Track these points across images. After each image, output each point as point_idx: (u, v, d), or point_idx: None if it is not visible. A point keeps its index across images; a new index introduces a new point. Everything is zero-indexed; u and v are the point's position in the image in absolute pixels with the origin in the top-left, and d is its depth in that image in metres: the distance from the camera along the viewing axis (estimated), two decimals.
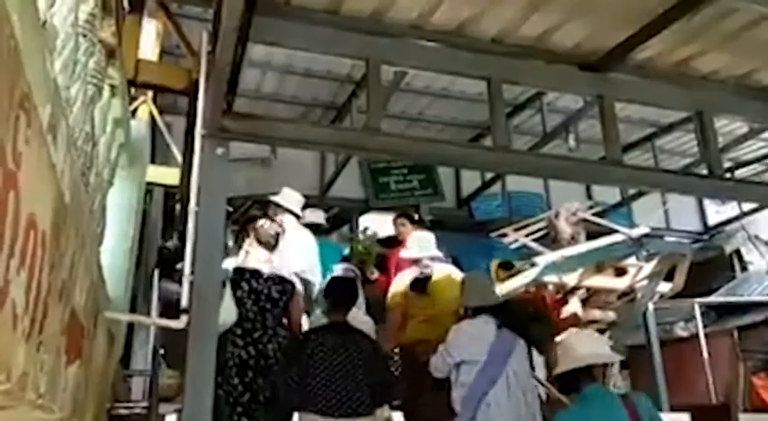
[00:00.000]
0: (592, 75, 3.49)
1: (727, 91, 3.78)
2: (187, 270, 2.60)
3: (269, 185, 6.08)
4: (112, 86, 2.73)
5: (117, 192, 2.95)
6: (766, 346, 5.92)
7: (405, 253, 4.41)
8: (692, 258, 4.68)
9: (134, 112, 4.27)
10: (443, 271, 4.28)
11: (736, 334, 6.12)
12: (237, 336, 3.34)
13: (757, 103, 3.81)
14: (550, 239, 5.07)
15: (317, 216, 5.12)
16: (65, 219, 1.40)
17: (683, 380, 5.71)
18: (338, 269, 4.30)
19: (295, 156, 6.09)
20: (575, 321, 4.52)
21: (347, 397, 3.01)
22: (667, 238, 7.37)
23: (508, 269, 4.62)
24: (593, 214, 5.36)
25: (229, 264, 3.58)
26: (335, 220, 6.87)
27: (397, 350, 4.14)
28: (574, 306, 4.55)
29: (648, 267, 4.55)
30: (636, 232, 4.65)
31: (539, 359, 4.09)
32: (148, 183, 4.24)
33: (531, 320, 3.78)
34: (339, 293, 3.42)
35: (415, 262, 4.19)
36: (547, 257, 4.53)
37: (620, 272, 4.66)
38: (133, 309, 3.95)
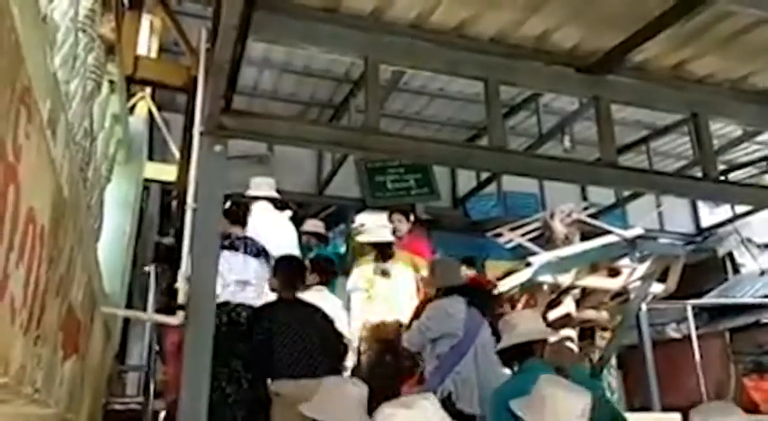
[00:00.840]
0: (588, 76, 3.51)
1: (723, 94, 3.81)
2: (184, 266, 2.60)
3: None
4: (111, 82, 2.74)
5: (114, 188, 2.95)
6: (757, 348, 5.96)
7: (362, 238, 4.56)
8: (685, 260, 4.71)
9: (132, 109, 4.26)
10: (401, 256, 4.56)
11: (727, 335, 6.16)
12: None
13: (752, 106, 3.83)
14: (545, 240, 5.09)
15: (316, 226, 5.27)
16: (63, 214, 1.40)
17: (674, 380, 5.74)
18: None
19: (292, 154, 6.09)
20: (568, 321, 4.55)
21: (308, 363, 3.26)
22: (661, 240, 7.40)
23: (471, 265, 4.71)
24: (588, 215, 5.39)
25: None
26: (332, 219, 6.88)
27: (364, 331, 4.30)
28: (567, 306, 4.57)
29: (642, 268, 4.57)
30: (630, 233, 4.68)
31: None
32: (146, 180, 4.25)
33: (489, 298, 4.14)
34: (286, 271, 3.67)
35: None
36: (541, 257, 4.55)
37: (614, 272, 4.68)
38: (129, 305, 3.95)
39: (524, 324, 2.93)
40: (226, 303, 3.53)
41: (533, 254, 4.71)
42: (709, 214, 8.27)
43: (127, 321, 4.19)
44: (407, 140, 3.47)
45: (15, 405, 1.28)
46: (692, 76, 3.71)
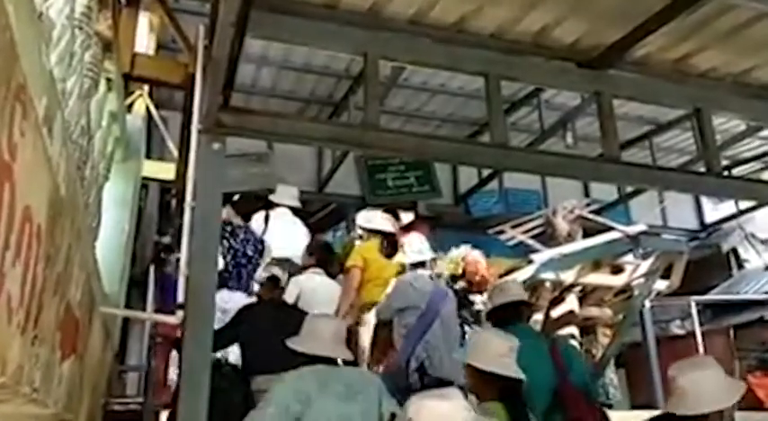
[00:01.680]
0: (590, 71, 3.48)
1: (726, 89, 3.78)
2: (183, 265, 2.59)
3: (266, 181, 6.07)
4: (108, 80, 2.72)
5: (112, 187, 2.94)
6: (762, 345, 5.95)
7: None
8: (688, 256, 4.69)
9: (130, 107, 4.25)
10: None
11: (731, 332, 6.14)
12: None
13: (755, 100, 3.81)
14: (547, 236, 5.07)
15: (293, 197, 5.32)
16: (60, 212, 1.39)
17: None
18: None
19: (292, 151, 6.06)
20: (571, 319, 4.53)
21: (287, 359, 3.12)
22: (664, 236, 7.36)
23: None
24: (591, 211, 5.37)
25: None
26: (332, 217, 6.87)
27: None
28: (571, 303, 4.56)
29: (645, 265, 4.56)
30: (633, 230, 4.66)
31: None
32: (144, 178, 4.24)
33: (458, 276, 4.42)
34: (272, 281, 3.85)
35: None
36: (544, 255, 4.54)
37: (617, 269, 4.67)
38: (128, 304, 3.94)
39: (515, 289, 3.21)
40: None
41: (536, 251, 4.69)
42: (713, 210, 8.24)
43: (126, 320, 4.18)
44: (408, 137, 3.45)
45: (14, 405, 1.27)
46: (694, 70, 3.68)
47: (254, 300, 3.99)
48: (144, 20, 3.99)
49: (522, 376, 2.43)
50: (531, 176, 6.72)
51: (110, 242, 2.94)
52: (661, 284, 4.74)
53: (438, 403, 2.02)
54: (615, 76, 3.55)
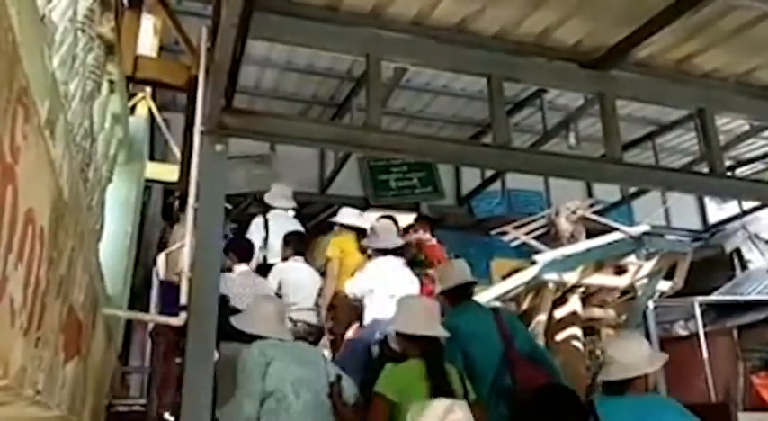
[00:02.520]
0: (593, 72, 3.48)
1: (729, 89, 3.77)
2: (186, 267, 2.59)
3: (269, 182, 6.08)
4: (111, 82, 2.72)
5: (115, 189, 2.94)
6: (766, 345, 5.92)
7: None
8: (692, 257, 4.67)
9: (133, 109, 4.26)
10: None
11: (735, 332, 6.12)
12: None
13: (759, 100, 3.80)
14: (550, 237, 5.06)
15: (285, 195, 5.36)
16: (63, 215, 1.39)
17: (682, 378, 5.71)
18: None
19: (295, 153, 6.08)
20: (574, 320, 4.52)
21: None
22: (667, 237, 7.36)
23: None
24: (594, 212, 5.37)
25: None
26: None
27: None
28: (574, 304, 4.55)
29: (648, 266, 4.55)
30: (636, 230, 4.65)
31: None
32: (147, 180, 4.24)
33: (416, 260, 4.59)
34: (240, 248, 4.19)
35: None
36: (547, 255, 4.53)
37: (621, 270, 4.66)
38: (132, 306, 3.95)
39: (460, 271, 3.39)
40: None
41: (538, 252, 4.68)
42: (717, 210, 8.22)
43: (129, 322, 4.18)
44: (410, 138, 3.45)
45: (17, 407, 1.28)
46: (697, 70, 3.68)
47: None
48: (147, 22, 4.00)
49: (441, 334, 2.78)
50: (533, 177, 6.72)
51: (113, 244, 2.93)
52: (664, 285, 4.73)
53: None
54: (618, 76, 3.54)
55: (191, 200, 2.65)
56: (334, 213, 6.74)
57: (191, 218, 2.63)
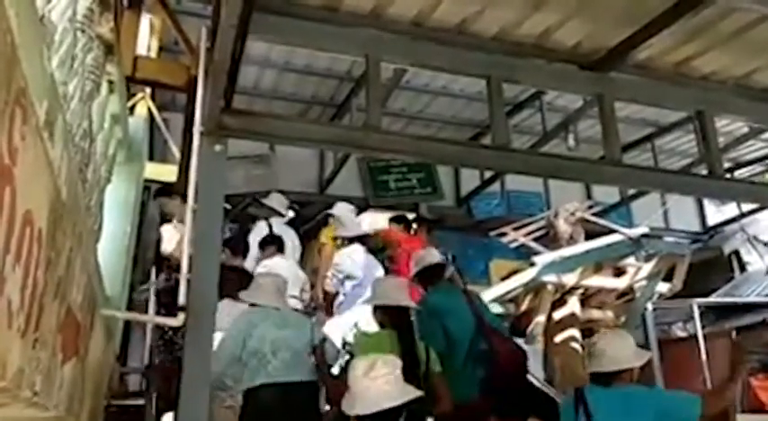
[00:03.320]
0: (592, 74, 3.48)
1: (728, 91, 3.78)
2: (185, 267, 2.58)
3: (268, 183, 6.07)
4: (110, 82, 2.72)
5: (114, 189, 2.94)
6: (764, 347, 5.92)
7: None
8: (690, 258, 4.67)
9: (132, 109, 4.25)
10: None
11: (734, 334, 6.11)
12: None
13: (758, 103, 3.80)
14: (549, 239, 5.06)
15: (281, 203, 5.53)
16: (61, 216, 1.39)
17: (681, 380, 5.70)
18: None
19: (294, 153, 6.07)
20: (573, 321, 4.52)
21: None
22: (666, 239, 7.37)
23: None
24: (593, 214, 5.36)
25: None
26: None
27: None
28: (572, 306, 4.55)
29: (647, 267, 4.55)
30: (635, 232, 4.65)
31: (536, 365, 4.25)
32: (146, 180, 4.24)
33: (380, 248, 4.98)
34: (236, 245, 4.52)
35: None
36: (546, 257, 4.53)
37: (619, 272, 4.66)
38: (130, 307, 3.94)
39: (432, 256, 3.72)
40: None
41: (537, 253, 4.68)
42: (716, 212, 8.23)
43: (128, 322, 4.18)
44: (409, 139, 3.45)
45: (14, 408, 1.27)
46: (696, 73, 3.68)
47: None
48: (146, 22, 4.00)
49: (409, 304, 3.15)
50: (533, 178, 6.72)
51: (111, 244, 2.93)
52: (663, 287, 4.73)
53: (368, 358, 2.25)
54: (617, 78, 3.55)
55: (190, 200, 2.64)
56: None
57: (189, 218, 2.63)
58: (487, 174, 7.16)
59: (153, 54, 4.35)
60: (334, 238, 5.02)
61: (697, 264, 5.37)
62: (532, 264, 4.49)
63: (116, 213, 3.10)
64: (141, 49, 3.76)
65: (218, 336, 3.85)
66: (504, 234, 5.32)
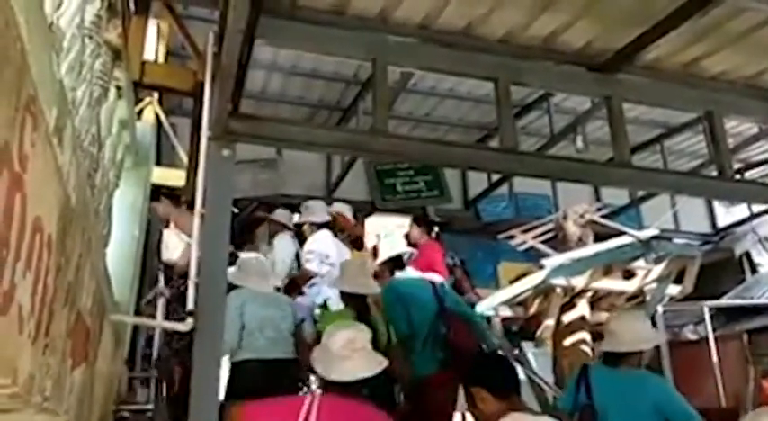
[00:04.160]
0: (600, 75, 3.46)
1: (737, 92, 3.74)
2: (193, 272, 2.59)
3: (275, 187, 6.08)
4: (118, 88, 2.74)
5: (122, 194, 2.95)
6: None
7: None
8: (701, 261, 4.63)
9: (140, 114, 4.27)
10: None
11: (745, 337, 6.05)
12: None
13: (767, 104, 3.77)
14: (558, 241, 5.04)
15: (283, 216, 5.43)
16: (71, 221, 1.39)
17: (692, 383, 5.65)
18: None
19: (301, 157, 6.09)
20: (583, 324, 4.49)
21: None
22: (676, 240, 7.31)
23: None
24: (602, 216, 5.33)
25: None
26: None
27: None
28: (582, 309, 4.52)
29: (657, 270, 4.51)
30: (644, 234, 4.62)
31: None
32: (154, 185, 4.25)
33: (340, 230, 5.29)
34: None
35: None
36: (555, 260, 4.50)
37: (629, 274, 4.62)
38: (138, 312, 3.95)
39: (399, 245, 4.03)
40: None
41: (546, 256, 4.66)
42: (726, 213, 8.16)
43: (136, 327, 4.18)
44: (417, 142, 3.45)
45: (25, 414, 1.27)
46: (705, 73, 3.65)
47: None
48: (153, 27, 4.02)
49: (369, 291, 3.62)
50: (541, 181, 6.69)
51: (120, 249, 2.94)
52: (673, 289, 4.69)
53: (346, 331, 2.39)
54: (625, 79, 3.52)
55: (197, 205, 2.65)
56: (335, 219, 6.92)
57: (197, 222, 2.63)
58: (495, 177, 7.14)
59: (160, 59, 4.37)
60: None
61: (707, 266, 5.32)
62: (541, 267, 4.47)
63: (124, 218, 3.11)
64: (149, 55, 3.77)
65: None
66: (512, 237, 5.30)
